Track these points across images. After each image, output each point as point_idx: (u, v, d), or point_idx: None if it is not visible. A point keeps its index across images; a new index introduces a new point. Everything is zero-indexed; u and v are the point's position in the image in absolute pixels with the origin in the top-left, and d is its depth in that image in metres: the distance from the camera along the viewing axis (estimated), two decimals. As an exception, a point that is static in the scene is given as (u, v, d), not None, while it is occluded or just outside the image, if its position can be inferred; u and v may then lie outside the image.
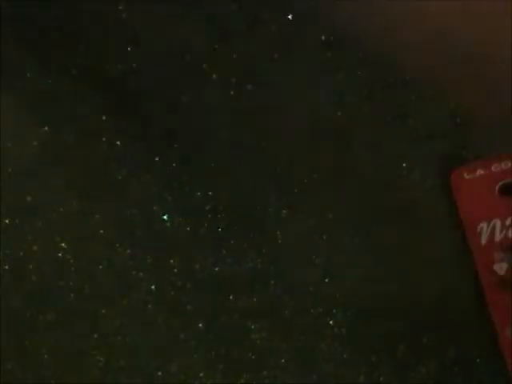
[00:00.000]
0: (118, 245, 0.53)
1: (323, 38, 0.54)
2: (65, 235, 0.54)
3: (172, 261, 0.53)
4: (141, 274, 0.53)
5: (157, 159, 0.54)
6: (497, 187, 0.52)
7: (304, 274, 0.53)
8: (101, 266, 0.53)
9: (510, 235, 0.52)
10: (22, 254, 0.53)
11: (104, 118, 0.54)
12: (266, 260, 0.53)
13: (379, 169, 0.53)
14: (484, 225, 0.52)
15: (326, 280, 0.53)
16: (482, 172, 0.52)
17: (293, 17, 0.54)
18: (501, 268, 0.51)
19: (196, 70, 0.54)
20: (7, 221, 0.54)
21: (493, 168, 0.52)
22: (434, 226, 0.53)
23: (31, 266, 0.53)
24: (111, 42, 0.54)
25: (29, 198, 0.54)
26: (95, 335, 0.53)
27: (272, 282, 0.53)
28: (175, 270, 0.53)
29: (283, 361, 0.53)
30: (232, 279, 0.53)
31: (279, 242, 0.53)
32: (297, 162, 0.54)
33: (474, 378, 0.52)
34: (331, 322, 0.53)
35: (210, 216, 0.54)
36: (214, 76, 0.54)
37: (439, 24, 0.54)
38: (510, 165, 0.52)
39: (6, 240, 0.54)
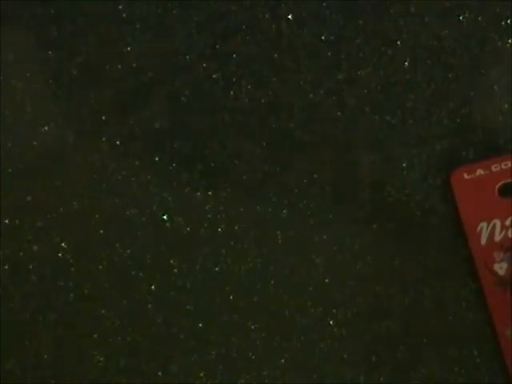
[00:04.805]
0: (117, 245, 0.53)
1: (323, 37, 0.54)
2: (65, 235, 0.54)
3: (172, 261, 0.53)
4: (141, 274, 0.53)
5: (157, 159, 0.54)
6: (497, 187, 0.52)
7: (304, 274, 0.53)
8: (101, 266, 0.53)
9: (509, 235, 0.52)
10: (21, 254, 0.53)
11: (104, 118, 0.54)
12: (266, 260, 0.53)
13: (379, 169, 0.53)
14: (484, 225, 0.52)
15: (326, 280, 0.53)
16: (482, 172, 0.52)
17: (293, 17, 0.54)
18: (501, 268, 0.51)
19: (196, 70, 0.54)
20: (7, 221, 0.54)
21: (493, 168, 0.52)
22: (434, 226, 0.53)
23: (31, 266, 0.53)
24: (111, 42, 0.54)
25: (29, 198, 0.54)
26: (95, 335, 0.53)
27: (272, 282, 0.53)
28: (175, 270, 0.53)
29: (283, 361, 0.53)
30: (232, 279, 0.53)
31: (279, 242, 0.53)
32: (297, 161, 0.54)
33: (474, 377, 0.52)
34: (331, 322, 0.53)
35: (209, 216, 0.54)
36: (214, 76, 0.54)
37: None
38: (510, 165, 0.52)
39: (5, 240, 0.54)
